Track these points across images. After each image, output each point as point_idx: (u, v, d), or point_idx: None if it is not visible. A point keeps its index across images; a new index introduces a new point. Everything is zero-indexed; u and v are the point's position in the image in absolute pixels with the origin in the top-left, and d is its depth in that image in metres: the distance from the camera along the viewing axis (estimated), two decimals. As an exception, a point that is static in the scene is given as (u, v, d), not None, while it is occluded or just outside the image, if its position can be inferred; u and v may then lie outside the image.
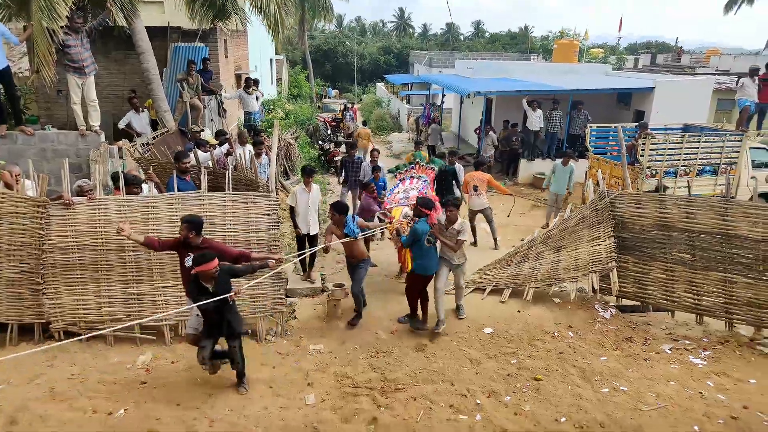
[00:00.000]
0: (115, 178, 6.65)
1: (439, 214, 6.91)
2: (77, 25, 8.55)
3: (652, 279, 7.02)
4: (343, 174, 11.18)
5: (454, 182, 10.16)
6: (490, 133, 15.75)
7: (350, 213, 6.80)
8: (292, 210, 7.93)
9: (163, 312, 6.16)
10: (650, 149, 11.18)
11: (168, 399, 5.17)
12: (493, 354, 6.05)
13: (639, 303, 7.20)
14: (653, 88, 15.97)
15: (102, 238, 6.21)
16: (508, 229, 11.46)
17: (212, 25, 13.60)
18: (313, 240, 8.06)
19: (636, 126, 12.88)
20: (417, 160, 9.80)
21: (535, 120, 15.50)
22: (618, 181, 10.95)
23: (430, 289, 6.64)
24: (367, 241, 8.18)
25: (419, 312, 6.71)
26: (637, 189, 7.94)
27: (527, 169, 15.91)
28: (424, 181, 8.61)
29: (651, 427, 4.71)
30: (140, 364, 5.78)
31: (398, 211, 7.66)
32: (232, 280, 4.99)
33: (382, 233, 8.36)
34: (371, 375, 5.60)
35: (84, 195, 6.32)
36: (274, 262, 5.27)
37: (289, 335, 6.57)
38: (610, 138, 13.38)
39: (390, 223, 7.41)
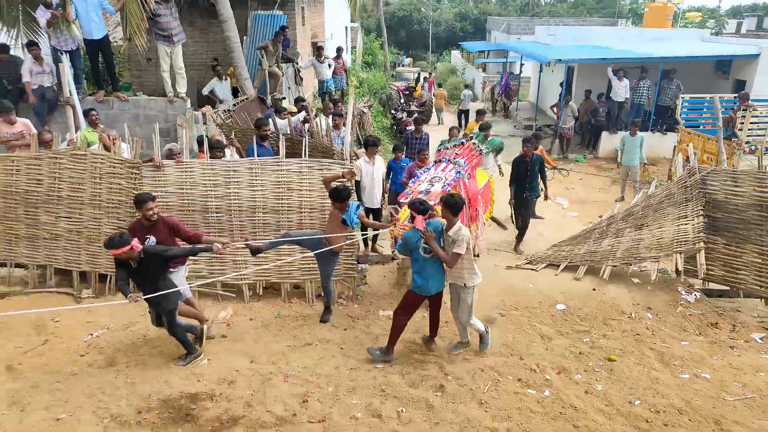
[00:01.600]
0: (200, 142, 6.99)
1: (478, 225, 6.42)
2: (166, -6, 8.92)
3: (745, 263, 6.54)
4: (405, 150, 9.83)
5: (539, 173, 8.47)
6: (570, 103, 15.05)
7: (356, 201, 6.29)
8: (357, 184, 7.66)
9: (243, 271, 6.50)
10: (750, 122, 10.28)
11: (245, 353, 5.49)
12: (565, 331, 5.92)
13: (728, 288, 6.75)
14: (758, 54, 14.53)
15: (188, 199, 6.58)
16: (586, 204, 11.02)
17: (286, -7, 13.72)
18: (377, 214, 8.05)
19: (735, 97, 11.86)
20: (470, 137, 7.52)
21: (621, 90, 14.61)
22: (711, 157, 10.19)
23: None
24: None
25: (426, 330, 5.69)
26: (733, 166, 7.33)
27: (609, 142, 15.11)
28: (457, 172, 6.36)
29: (734, 417, 4.47)
30: (221, 319, 6.15)
31: (406, 213, 5.91)
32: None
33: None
34: (439, 344, 5.65)
35: (172, 158, 6.70)
36: (219, 246, 5.04)
37: (360, 300, 6.73)
38: (704, 110, 12.42)
39: (394, 225, 6.16)
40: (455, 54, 39.10)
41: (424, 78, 23.88)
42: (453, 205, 4.93)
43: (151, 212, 5.19)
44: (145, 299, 4.88)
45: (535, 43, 20.89)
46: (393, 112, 19.09)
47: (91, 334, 5.73)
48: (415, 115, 17.05)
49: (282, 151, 6.77)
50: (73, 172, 6.54)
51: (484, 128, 9.93)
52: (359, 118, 14.62)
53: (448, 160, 6.68)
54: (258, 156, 6.96)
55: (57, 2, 8.43)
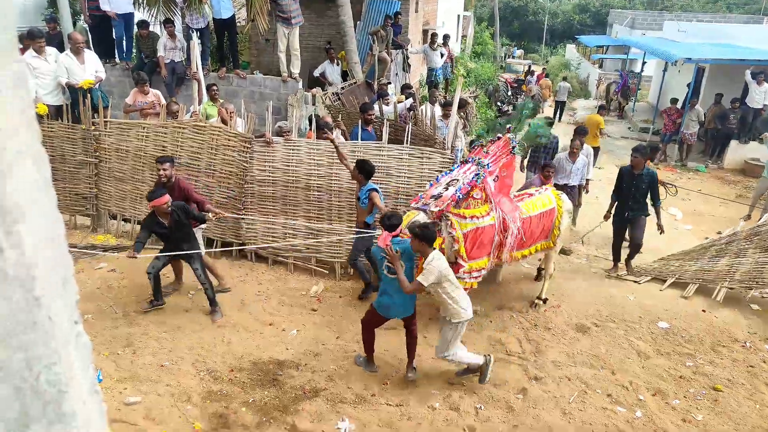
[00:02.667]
0: (311, 120, 7.26)
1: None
2: (289, -23, 9.30)
3: None
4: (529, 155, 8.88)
5: (649, 192, 7.04)
6: (696, 107, 13.80)
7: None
8: None
9: (337, 249, 6.69)
10: None
11: (332, 328, 5.68)
12: (666, 351, 5.50)
13: None
14: None
15: (293, 176, 6.87)
16: (703, 218, 10.12)
17: (405, -22, 13.77)
18: None
19: None
20: (505, 132, 6.16)
21: (759, 96, 13.16)
22: None
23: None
24: None
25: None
26: None
27: (738, 152, 13.71)
28: (476, 174, 5.33)
29: None
30: (313, 293, 6.40)
31: (409, 217, 5.12)
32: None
33: None
34: (525, 346, 5.49)
35: (282, 135, 7.01)
36: (211, 216, 5.72)
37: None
38: None
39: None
40: (570, 48, 37.23)
41: (530, 71, 23.10)
42: (424, 236, 4.30)
43: (162, 173, 5.64)
44: (177, 254, 5.56)
45: (662, 40, 19.35)
46: (499, 104, 18.62)
47: (192, 293, 6.18)
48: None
49: (385, 136, 6.83)
50: (193, 141, 7.06)
51: (580, 132, 8.34)
52: (463, 109, 14.42)
53: (472, 161, 5.63)
54: (361, 140, 7.09)
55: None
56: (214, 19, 9.53)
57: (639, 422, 4.43)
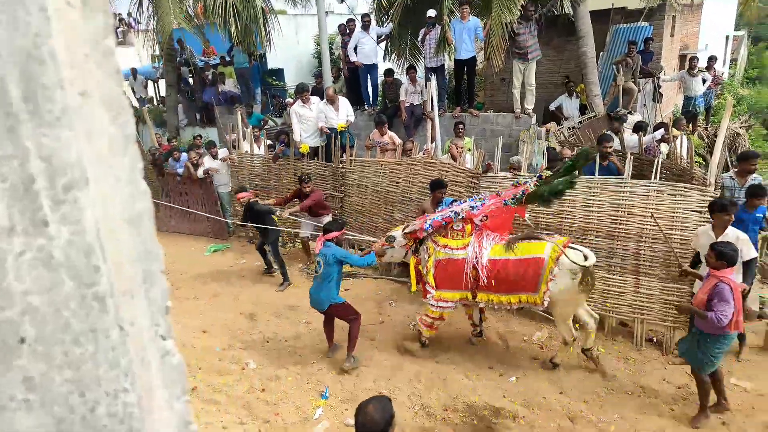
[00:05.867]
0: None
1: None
2: (529, 13, 9.20)
3: None
4: None
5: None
6: None
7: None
8: None
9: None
10: None
11: (555, 382, 5.12)
12: None
13: None
14: None
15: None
16: None
17: (661, 1, 12.44)
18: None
19: None
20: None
21: None
22: None
23: None
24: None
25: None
26: None
27: None
28: (455, 212, 5.26)
29: None
30: (535, 340, 5.92)
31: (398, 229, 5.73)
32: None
33: None
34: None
35: (510, 171, 6.80)
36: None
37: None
38: None
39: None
40: None
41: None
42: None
43: (306, 188, 7.49)
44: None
45: None
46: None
47: (413, 324, 6.26)
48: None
49: (627, 171, 6.07)
50: (423, 177, 7.32)
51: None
52: (731, 141, 12.20)
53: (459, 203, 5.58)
54: (598, 174, 6.43)
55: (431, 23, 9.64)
56: (455, 60, 9.93)
57: None
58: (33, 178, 0.51)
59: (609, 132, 8.11)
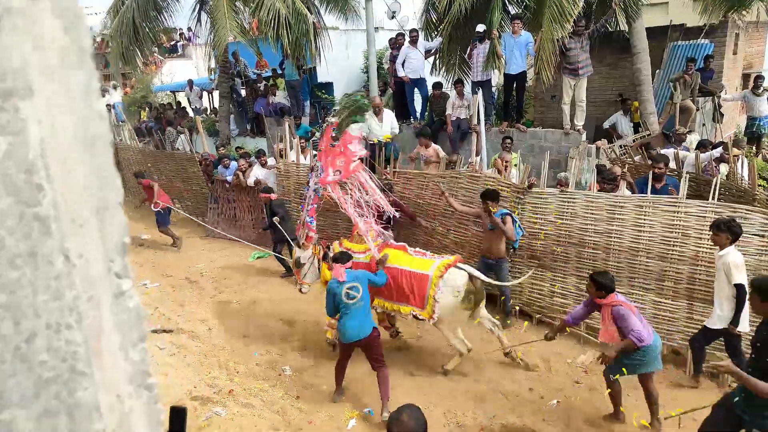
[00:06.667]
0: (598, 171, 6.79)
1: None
2: (579, 28, 9.01)
3: None
4: None
5: None
6: None
7: None
8: None
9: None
10: None
11: (600, 407, 4.87)
12: None
13: None
14: None
15: (565, 230, 6.35)
16: None
17: (723, 18, 11.96)
18: None
19: None
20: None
21: None
22: None
23: None
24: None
25: None
26: None
27: None
28: (313, 188, 5.89)
29: None
30: (579, 363, 5.67)
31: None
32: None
33: None
34: None
35: (559, 187, 6.62)
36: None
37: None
38: None
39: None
40: None
41: None
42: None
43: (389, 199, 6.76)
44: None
45: None
46: None
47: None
48: None
49: (682, 191, 5.80)
50: (467, 190, 7.22)
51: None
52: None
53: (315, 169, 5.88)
54: (651, 194, 6.18)
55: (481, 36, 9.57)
56: (504, 74, 9.82)
57: None
58: (-31, 78, 0.46)
59: (660, 151, 7.82)
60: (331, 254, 5.53)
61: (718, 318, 4.89)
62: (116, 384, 0.57)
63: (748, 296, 4.08)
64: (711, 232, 4.92)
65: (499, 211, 6.17)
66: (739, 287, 4.66)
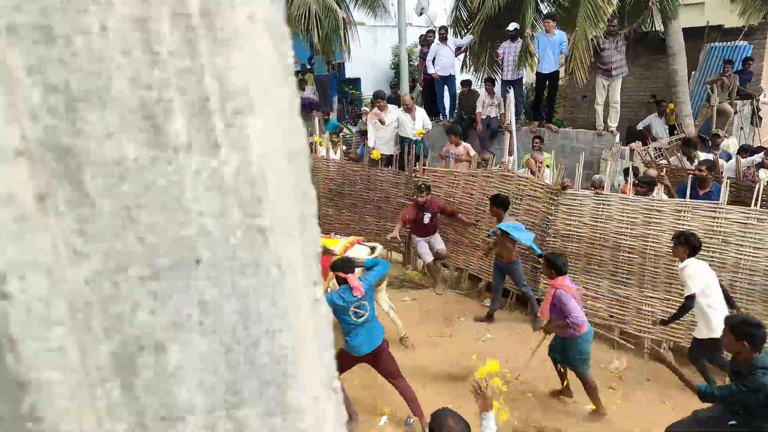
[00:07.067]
0: (626, 172, 6.59)
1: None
2: (613, 28, 8.85)
3: None
4: None
5: None
6: None
7: None
8: None
9: (647, 321, 5.74)
10: None
11: (634, 417, 4.77)
12: None
13: None
14: None
15: (600, 233, 6.24)
16: None
17: (763, 20, 11.66)
18: None
19: None
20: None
21: None
22: None
23: None
24: None
25: None
26: None
27: None
28: None
29: None
30: (613, 369, 5.57)
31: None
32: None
33: None
34: None
35: (593, 189, 6.50)
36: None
37: None
38: None
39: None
40: None
41: None
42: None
43: (422, 200, 6.88)
44: None
45: None
46: None
47: (482, 339, 6.07)
48: None
49: (723, 197, 5.65)
50: (498, 190, 7.12)
51: None
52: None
53: None
54: (691, 198, 6.03)
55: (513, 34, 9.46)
56: (536, 73, 9.70)
57: None
58: (207, 96, 0.49)
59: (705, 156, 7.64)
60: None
61: (702, 327, 4.77)
62: (314, 387, 0.60)
63: (722, 332, 3.81)
64: (671, 244, 5.00)
65: (503, 224, 5.97)
66: (687, 299, 4.67)
